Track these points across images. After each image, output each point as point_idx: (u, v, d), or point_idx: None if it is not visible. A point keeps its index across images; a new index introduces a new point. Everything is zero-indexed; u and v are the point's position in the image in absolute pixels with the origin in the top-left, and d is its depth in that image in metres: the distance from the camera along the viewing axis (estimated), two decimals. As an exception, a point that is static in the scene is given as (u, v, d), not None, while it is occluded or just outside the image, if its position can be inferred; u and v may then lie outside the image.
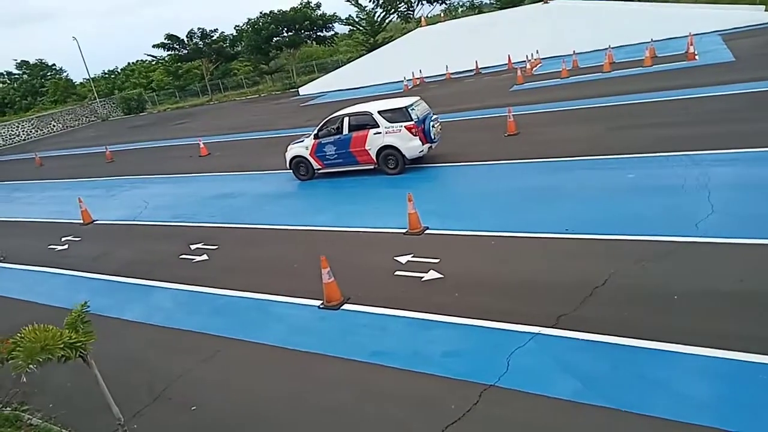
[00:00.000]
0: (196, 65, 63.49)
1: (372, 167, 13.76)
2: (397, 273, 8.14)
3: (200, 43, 58.84)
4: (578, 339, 5.74)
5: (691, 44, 22.37)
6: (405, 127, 12.93)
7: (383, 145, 13.27)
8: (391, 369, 5.90)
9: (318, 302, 7.65)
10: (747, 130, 11.33)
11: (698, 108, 14.12)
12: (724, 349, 5.12)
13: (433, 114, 13.75)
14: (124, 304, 9.18)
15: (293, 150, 14.82)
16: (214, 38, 59.46)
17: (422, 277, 7.83)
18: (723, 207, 8.09)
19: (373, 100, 15.21)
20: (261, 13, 54.64)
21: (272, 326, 7.39)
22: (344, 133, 13.73)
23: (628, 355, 5.35)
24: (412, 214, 9.63)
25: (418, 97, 14.04)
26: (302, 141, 14.76)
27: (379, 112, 13.34)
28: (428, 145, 13.27)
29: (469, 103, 22.53)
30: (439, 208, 10.71)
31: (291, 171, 15.00)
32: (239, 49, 60.49)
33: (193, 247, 11.21)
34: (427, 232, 9.53)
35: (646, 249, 7.32)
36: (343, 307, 7.43)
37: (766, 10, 30.74)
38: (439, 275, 7.80)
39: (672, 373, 4.99)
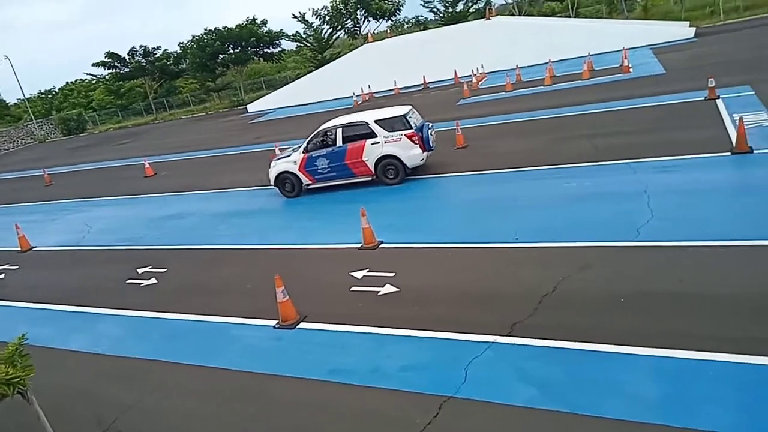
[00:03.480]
0: (138, 83, 61.91)
1: (369, 179, 13.33)
2: (354, 288, 8.11)
3: (143, 60, 57.49)
4: (533, 346, 5.86)
5: (626, 58, 23.54)
6: (405, 135, 12.64)
7: (382, 155, 12.85)
8: (351, 386, 5.84)
9: (274, 322, 7.52)
10: (679, 138, 11.97)
11: (634, 118, 14.84)
12: (669, 348, 5.34)
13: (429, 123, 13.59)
14: (67, 333, 8.74)
15: (278, 166, 13.99)
16: (157, 56, 58.25)
17: (378, 292, 7.83)
18: (661, 212, 8.49)
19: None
20: (205, 29, 54.02)
21: (227, 349, 7.20)
22: (338, 145, 13.18)
23: (581, 359, 5.50)
24: (366, 229, 9.64)
25: (410, 106, 13.73)
26: (288, 156, 14.05)
27: (375, 121, 12.92)
28: (426, 153, 13.03)
29: (418, 117, 22.81)
30: (394, 221, 10.77)
31: (276, 188, 14.21)
32: (184, 66, 59.40)
33: (140, 271, 10.82)
34: (382, 246, 9.56)
35: (592, 255, 7.59)
36: (299, 326, 7.32)
37: (690, 26, 32.78)
38: (395, 289, 7.82)
39: (622, 374, 5.16)
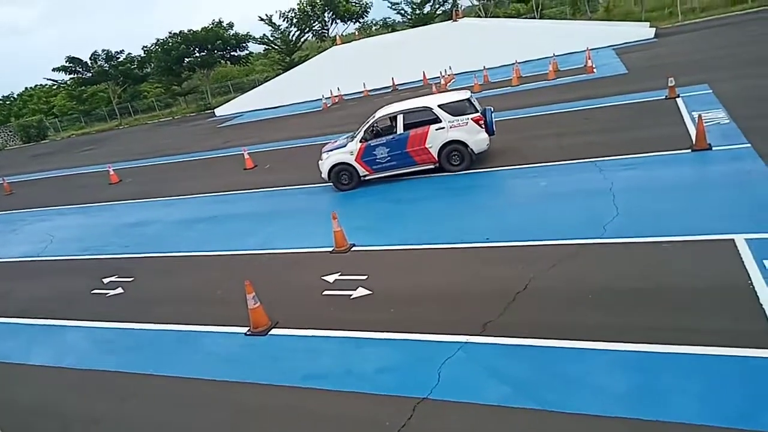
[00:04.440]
0: (101, 88, 60.44)
1: (432, 167, 12.74)
2: (326, 292, 8.06)
3: (105, 65, 56.10)
4: (504, 344, 5.91)
5: (589, 58, 24.05)
6: (472, 119, 12.16)
7: (448, 140, 12.28)
8: (325, 391, 5.80)
9: (245, 329, 7.41)
10: (642, 136, 12.27)
11: (599, 117, 15.16)
12: (635, 342, 5.45)
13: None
14: (29, 347, 8.45)
15: (333, 157, 13.16)
16: (120, 60, 56.92)
17: (351, 295, 7.80)
18: (626, 209, 8.69)
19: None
20: (170, 33, 53.09)
21: (197, 358, 7.06)
22: (398, 132, 12.56)
23: (552, 355, 5.57)
24: (337, 232, 9.59)
25: (469, 90, 12.95)
26: (342, 146, 13.25)
27: (439, 105, 12.33)
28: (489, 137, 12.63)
29: (387, 119, 22.84)
30: (365, 223, 10.75)
31: (330, 182, 13.42)
32: (148, 70, 58.22)
33: (106, 280, 10.55)
34: (354, 249, 9.53)
35: (561, 252, 7.71)
36: (271, 332, 7.23)
37: (651, 27, 33.66)
38: (368, 291, 7.80)
39: (591, 369, 5.25)
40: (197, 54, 53.66)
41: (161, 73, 55.08)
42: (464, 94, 12.65)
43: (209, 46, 52.76)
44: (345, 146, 13.15)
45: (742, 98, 13.81)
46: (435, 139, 12.32)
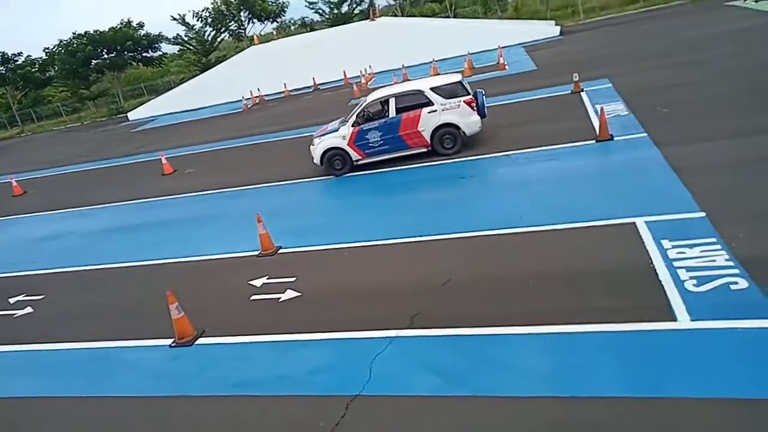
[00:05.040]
0: (-2, 94, 55.81)
1: (424, 150, 12.70)
2: (254, 297, 7.94)
3: (1, 68, 51.83)
4: (433, 336, 6.08)
5: (501, 56, 25.06)
6: (464, 101, 12.15)
7: (440, 123, 12.27)
8: (256, 398, 5.73)
9: (169, 341, 7.16)
10: (551, 129, 12.95)
11: (512, 112, 15.88)
12: (554, 324, 5.79)
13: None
14: (-74, 380, 7.72)
15: (325, 142, 12.99)
16: (18, 63, 52.75)
17: (280, 298, 7.73)
18: (540, 199, 9.18)
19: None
20: (74, 34, 49.89)
21: (119, 375, 6.74)
22: (390, 115, 12.48)
23: (478, 343, 5.80)
24: (263, 235, 9.46)
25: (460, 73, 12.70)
26: (334, 131, 13.08)
27: (431, 88, 12.30)
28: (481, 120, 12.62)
29: (311, 118, 22.72)
30: (292, 225, 10.66)
31: (323, 167, 13.26)
32: (52, 73, 54.40)
33: (12, 300, 9.82)
34: (281, 251, 9.44)
35: (481, 243, 8.03)
36: (197, 342, 7.03)
37: (556, 25, 35.51)
38: (297, 293, 7.76)
39: (516, 353, 5.51)
40: (105, 56, 50.79)
41: (66, 77, 51.65)
42: (456, 77, 12.68)
43: (118, 47, 50.08)
44: (337, 131, 12.98)
45: (638, 90, 14.91)
46: (427, 122, 12.33)
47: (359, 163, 13.08)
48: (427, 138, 12.51)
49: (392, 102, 12.55)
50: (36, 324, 8.79)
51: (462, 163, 12.13)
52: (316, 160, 13.28)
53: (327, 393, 5.52)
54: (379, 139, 12.64)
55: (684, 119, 11.76)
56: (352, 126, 12.77)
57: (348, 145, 12.85)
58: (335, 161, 13.07)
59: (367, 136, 12.70)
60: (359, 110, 12.89)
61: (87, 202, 16.28)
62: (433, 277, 7.30)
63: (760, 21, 22.21)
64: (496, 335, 5.86)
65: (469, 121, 12.34)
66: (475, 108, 12.34)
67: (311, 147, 13.52)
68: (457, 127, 12.36)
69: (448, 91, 12.34)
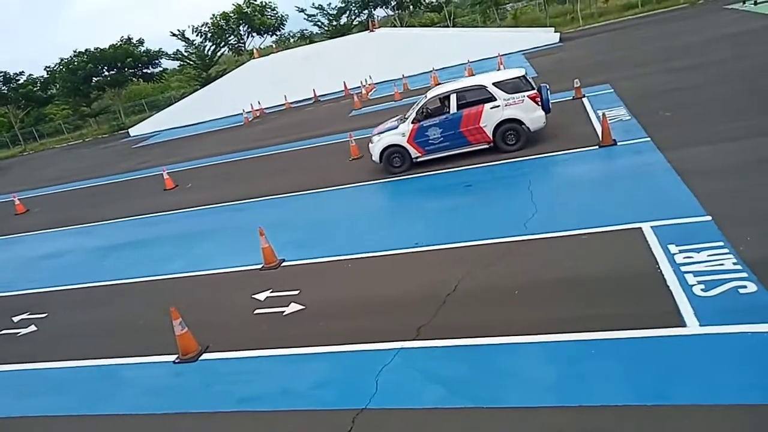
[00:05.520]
0: (1, 113, 56.08)
1: (486, 146, 12.47)
2: (257, 311, 7.88)
3: (3, 88, 52.16)
4: (438, 347, 6.02)
5: (501, 63, 25.09)
6: (528, 96, 11.90)
7: (503, 119, 12.03)
8: (260, 413, 5.65)
9: (173, 357, 7.10)
10: (556, 134, 12.88)
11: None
12: (560, 332, 5.71)
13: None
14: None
15: (384, 139, 12.88)
16: (20, 82, 53.10)
17: (284, 312, 7.67)
18: (544, 205, 9.12)
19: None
20: (75, 51, 50.19)
21: (123, 393, 6.67)
22: (451, 112, 12.28)
23: (485, 353, 5.73)
24: (266, 248, 9.42)
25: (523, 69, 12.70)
26: (393, 128, 12.95)
27: (494, 83, 12.06)
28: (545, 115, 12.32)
29: (312, 130, 22.83)
30: (295, 237, 10.62)
31: (381, 165, 13.13)
32: (53, 91, 54.73)
33: (15, 319, 9.78)
34: (284, 264, 9.38)
35: (486, 252, 7.96)
36: (201, 358, 6.97)
37: (555, 32, 35.61)
38: (301, 306, 7.70)
39: (522, 362, 5.44)
40: (106, 73, 51.06)
41: (67, 94, 51.91)
42: (519, 72, 12.49)
43: (119, 64, 50.34)
44: (396, 128, 12.87)
45: (640, 95, 14.89)
46: (490, 118, 12.08)
47: (418, 160, 12.94)
48: (490, 134, 12.29)
49: (453, 98, 12.35)
50: (40, 342, 8.74)
51: (465, 171, 12.08)
52: (375, 157, 13.16)
53: (333, 407, 5.45)
54: (439, 135, 12.46)
55: (686, 123, 11.72)
56: (412, 123, 12.62)
57: (408, 142, 12.71)
58: (394, 159, 12.96)
59: (427, 133, 12.53)
60: (419, 107, 12.75)
61: (89, 219, 16.28)
62: (438, 286, 7.24)
63: (760, 24, 22.22)
64: (503, 345, 5.79)
65: (533, 117, 12.05)
66: (539, 103, 12.08)
67: (369, 145, 13.45)
68: (521, 123, 12.10)
69: (511, 86, 12.11)
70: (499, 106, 12.02)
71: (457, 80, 13.19)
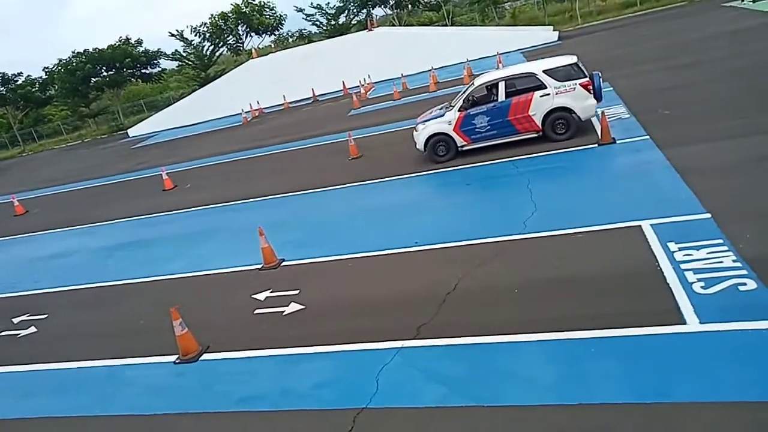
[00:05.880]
0: (-1, 114, 56.08)
1: (535, 135, 12.23)
2: (257, 311, 7.88)
3: (2, 89, 52.12)
4: (439, 346, 6.02)
5: (500, 62, 25.09)
6: (580, 84, 11.62)
7: (553, 107, 11.76)
8: (262, 413, 5.66)
9: (174, 357, 7.10)
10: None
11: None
12: (561, 330, 5.72)
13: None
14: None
15: (430, 127, 12.71)
16: (19, 83, 53.05)
17: (284, 311, 7.67)
18: (543, 204, 9.12)
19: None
20: (73, 52, 50.17)
21: (124, 393, 6.68)
22: (500, 99, 12.05)
23: (485, 352, 5.73)
24: (265, 248, 9.42)
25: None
26: (439, 116, 12.78)
27: (545, 71, 11.82)
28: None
29: (311, 130, 22.83)
30: (294, 237, 10.62)
31: (426, 153, 13.00)
32: (52, 92, 54.69)
33: (16, 320, 9.77)
34: (284, 264, 9.38)
35: (486, 251, 7.96)
36: (201, 358, 6.97)
37: (554, 30, 35.59)
38: (301, 306, 7.70)
39: (522, 361, 5.45)
40: (105, 73, 51.04)
41: (66, 95, 51.90)
42: (571, 59, 12.19)
43: (117, 65, 50.33)
44: (443, 116, 12.70)
45: (639, 93, 14.90)
46: (539, 106, 11.83)
47: (464, 149, 12.76)
48: (539, 123, 12.04)
49: (502, 85, 12.10)
50: (40, 343, 8.74)
51: (464, 170, 12.09)
52: (420, 146, 13.03)
53: (333, 407, 5.45)
54: (486, 124, 12.24)
55: (685, 121, 11.73)
56: (459, 111, 12.40)
57: (454, 130, 12.51)
58: (439, 147, 12.78)
59: (474, 121, 12.30)
60: (466, 94, 12.55)
61: (88, 220, 16.28)
62: (438, 285, 7.24)
63: (758, 21, 22.23)
64: (503, 343, 5.79)
65: (584, 105, 11.78)
66: (591, 91, 11.78)
67: (414, 133, 13.34)
68: (572, 111, 11.85)
69: (562, 74, 11.85)
70: (549, 94, 11.78)
71: (505, 67, 12.94)
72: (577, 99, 11.72)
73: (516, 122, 12.13)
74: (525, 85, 12.02)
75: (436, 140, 12.75)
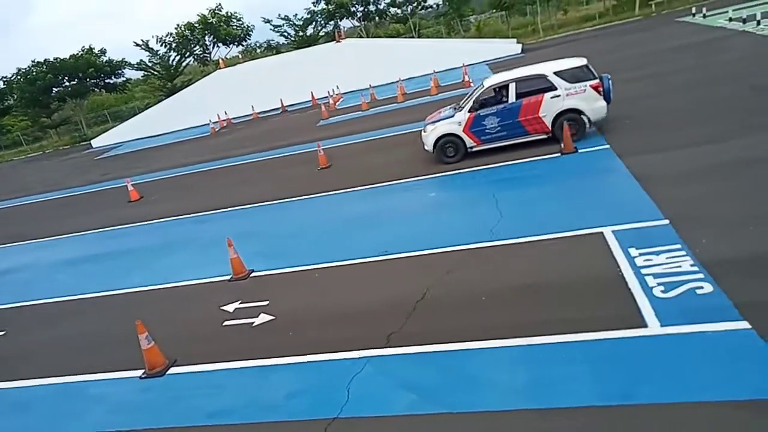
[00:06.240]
0: (-47, 125, 54.04)
1: (544, 137, 12.29)
2: (226, 323, 7.78)
3: (-43, 99, 50.33)
4: (409, 354, 6.06)
5: (466, 73, 25.53)
6: (591, 86, 11.74)
7: (563, 109, 11.87)
8: (231, 426, 5.59)
9: (140, 372, 6.95)
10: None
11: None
12: (528, 336, 5.83)
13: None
14: None
15: (440, 128, 12.69)
16: (-26, 93, 51.31)
17: (253, 323, 7.60)
18: (509, 212, 9.31)
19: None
20: (33, 61, 48.83)
21: (88, 411, 6.49)
22: (510, 101, 12.11)
23: (454, 359, 5.80)
24: (234, 259, 9.32)
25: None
26: (448, 117, 12.73)
27: (555, 72, 11.88)
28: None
29: (280, 140, 22.74)
30: (264, 248, 10.54)
31: (434, 154, 12.97)
32: (11, 102, 53.05)
33: (-28, 338, 9.41)
34: (253, 275, 9.30)
35: (454, 258, 8.07)
36: (169, 372, 6.84)
37: (518, 43, 36.43)
38: (271, 317, 7.65)
39: (491, 367, 5.53)
40: (67, 83, 49.83)
41: (26, 105, 50.46)
42: (581, 61, 12.27)
43: (80, 74, 49.20)
44: (452, 117, 12.67)
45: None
46: (550, 107, 11.93)
47: (473, 150, 12.79)
48: (549, 124, 12.15)
49: (512, 87, 12.17)
50: (-3, 361, 8.43)
51: (430, 179, 12.24)
52: (428, 147, 13.03)
53: (304, 417, 5.43)
54: (496, 125, 12.30)
55: (645, 130, 12.15)
56: (469, 111, 12.43)
57: (463, 131, 12.54)
58: (448, 148, 12.80)
59: (484, 123, 12.36)
60: (476, 95, 12.58)
61: (50, 233, 15.81)
62: (407, 294, 7.29)
63: (710, 35, 23.22)
64: (471, 350, 5.87)
65: (595, 107, 11.91)
66: (601, 93, 11.91)
67: (423, 134, 13.35)
68: (582, 113, 12.00)
69: (572, 76, 11.95)
70: (559, 95, 11.90)
71: (515, 69, 13.07)
72: (588, 101, 11.88)
73: (526, 123, 12.24)
74: (535, 87, 12.10)
75: (445, 141, 12.78)
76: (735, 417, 4.31)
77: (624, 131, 12.37)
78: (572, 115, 12.03)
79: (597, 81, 11.88)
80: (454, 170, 12.38)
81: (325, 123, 24.76)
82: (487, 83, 12.69)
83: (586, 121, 12.09)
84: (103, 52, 50.88)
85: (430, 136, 12.93)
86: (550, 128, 12.21)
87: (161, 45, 52.33)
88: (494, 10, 52.54)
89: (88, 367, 7.44)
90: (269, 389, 6.06)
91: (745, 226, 7.04)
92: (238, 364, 6.66)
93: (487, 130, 12.47)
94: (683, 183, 8.88)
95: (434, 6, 57.51)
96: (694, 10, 30.96)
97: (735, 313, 5.42)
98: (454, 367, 5.67)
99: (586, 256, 7.22)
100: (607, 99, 12.07)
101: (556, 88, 11.92)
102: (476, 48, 35.88)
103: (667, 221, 7.58)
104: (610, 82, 12.19)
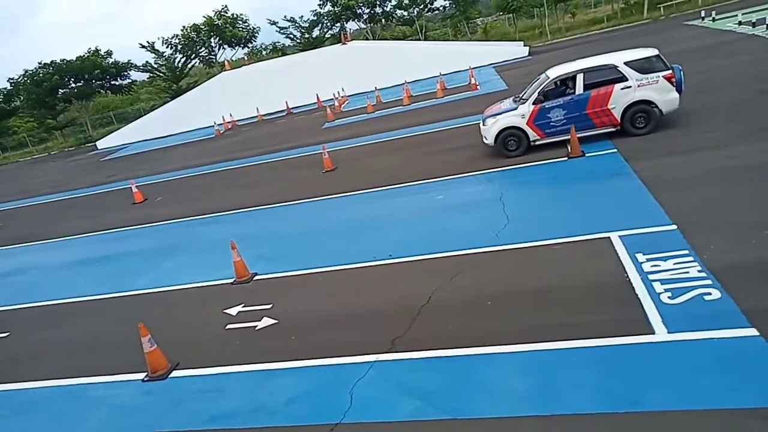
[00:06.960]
0: (-40, 126, 54.39)
1: (613, 129, 11.92)
2: (229, 326, 7.75)
3: (-36, 100, 50.65)
4: (413, 359, 6.00)
5: (472, 76, 25.48)
6: (664, 76, 11.28)
7: (634, 101, 11.45)
8: (234, 431, 5.54)
9: (142, 375, 6.92)
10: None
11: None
12: (533, 342, 5.76)
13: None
14: None
15: (502, 121, 12.31)
16: (-18, 94, 51.63)
17: (256, 326, 7.56)
18: (516, 216, 9.23)
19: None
20: (40, 63, 49.09)
21: (90, 414, 6.46)
22: (578, 92, 11.67)
23: (459, 364, 5.74)
24: (237, 262, 9.29)
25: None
26: (511, 110, 12.34)
27: (626, 63, 11.44)
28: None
29: (285, 142, 22.75)
30: (267, 251, 10.50)
31: (495, 146, 12.61)
32: (17, 104, 53.34)
33: (-25, 339, 9.42)
34: (256, 278, 9.27)
35: (459, 263, 8.00)
36: (171, 375, 6.81)
37: (525, 46, 36.35)
38: (273, 321, 7.60)
39: (496, 373, 5.47)
40: (73, 84, 50.07)
41: (32, 107, 50.71)
42: (652, 51, 11.77)
43: (86, 76, 49.44)
44: (515, 109, 12.33)
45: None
46: (619, 99, 11.52)
47: (537, 143, 12.42)
48: (618, 116, 11.73)
49: (580, 78, 11.72)
50: (2, 363, 8.41)
51: (440, 182, 12.18)
52: (489, 140, 12.64)
53: (307, 422, 5.38)
54: (562, 117, 11.89)
55: (652, 134, 12.01)
56: (533, 104, 12.05)
57: (527, 124, 12.17)
58: (510, 142, 12.43)
59: (548, 115, 11.96)
60: (541, 87, 12.13)
61: (55, 235, 15.85)
62: (411, 298, 7.24)
63: (719, 39, 23.07)
64: (476, 355, 5.80)
65: (667, 99, 11.44)
66: (674, 84, 11.47)
67: (482, 127, 13.04)
68: (653, 105, 11.54)
69: (644, 66, 11.49)
70: (630, 86, 11.47)
71: (582, 59, 12.65)
72: (660, 92, 11.43)
73: (594, 116, 11.84)
74: (604, 78, 11.67)
75: (507, 134, 12.40)
76: (744, 425, 4.23)
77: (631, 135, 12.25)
78: (643, 106, 11.60)
79: (670, 72, 11.46)
80: (463, 174, 12.31)
81: (330, 125, 24.75)
82: (552, 74, 12.26)
83: (658, 113, 11.69)
84: (109, 53, 51.13)
85: (492, 129, 12.52)
86: (618, 120, 11.82)
87: (167, 47, 52.50)
88: (501, 13, 52.46)
89: (91, 370, 7.42)
90: (271, 394, 6.01)
91: (754, 231, 6.94)
92: (240, 368, 6.62)
93: (552, 123, 12.06)
94: (691, 188, 8.79)
95: (441, 8, 57.47)
96: (703, 13, 30.80)
97: (743, 319, 5.35)
98: (459, 372, 5.61)
99: (593, 262, 7.15)
100: (679, 90, 11.65)
101: (627, 79, 11.48)
102: (483, 50, 35.82)
103: (675, 226, 7.50)
104: (682, 73, 11.79)
